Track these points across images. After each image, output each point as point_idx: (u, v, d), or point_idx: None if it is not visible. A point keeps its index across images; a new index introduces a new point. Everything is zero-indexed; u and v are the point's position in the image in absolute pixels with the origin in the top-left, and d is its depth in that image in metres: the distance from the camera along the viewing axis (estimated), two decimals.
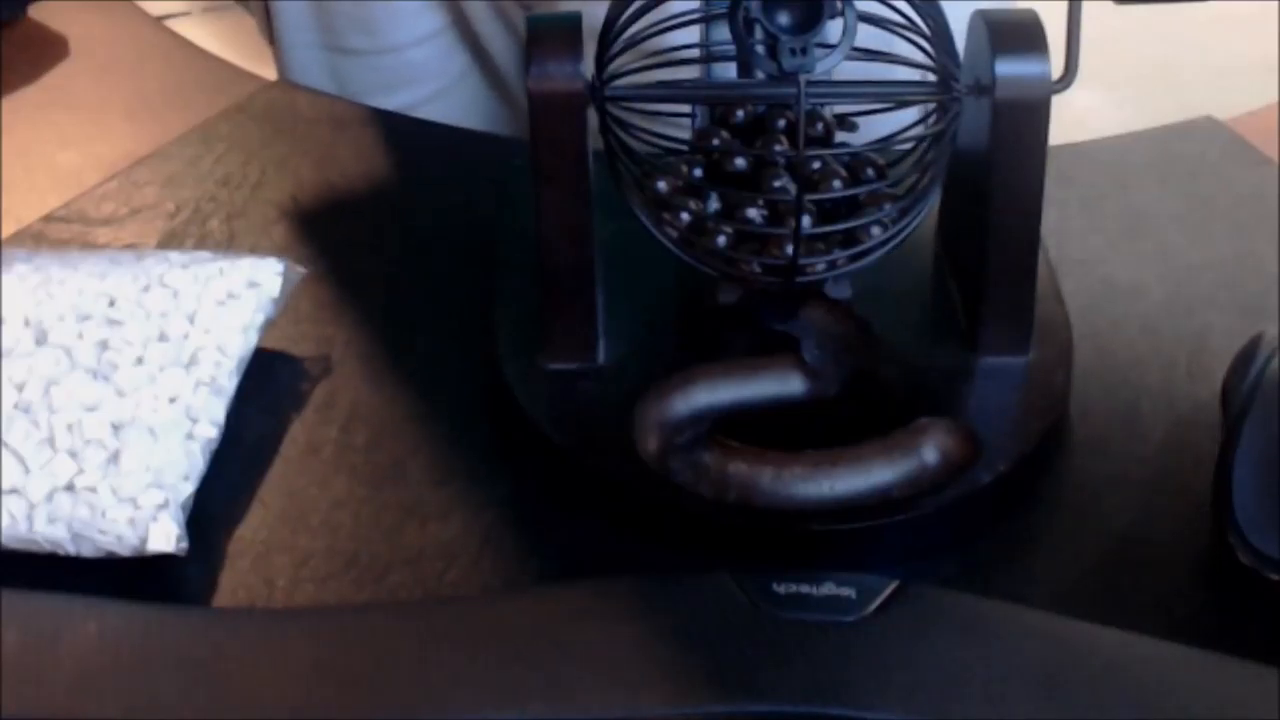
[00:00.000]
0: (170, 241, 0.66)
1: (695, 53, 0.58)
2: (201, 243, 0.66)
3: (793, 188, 0.53)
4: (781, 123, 0.56)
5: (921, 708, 0.47)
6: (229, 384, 0.56)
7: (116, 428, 0.53)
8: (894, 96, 0.56)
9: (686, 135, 0.58)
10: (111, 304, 0.56)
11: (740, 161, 0.56)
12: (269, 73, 0.79)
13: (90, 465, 0.52)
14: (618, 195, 0.55)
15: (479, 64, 0.84)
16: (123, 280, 0.57)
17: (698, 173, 0.56)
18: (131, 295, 0.57)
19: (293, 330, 0.62)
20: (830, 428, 0.55)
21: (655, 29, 0.54)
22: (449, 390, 0.60)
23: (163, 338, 0.56)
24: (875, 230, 0.54)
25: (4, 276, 0.57)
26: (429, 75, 0.84)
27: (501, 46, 0.82)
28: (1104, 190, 0.70)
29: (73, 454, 0.52)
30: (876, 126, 0.57)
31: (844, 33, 0.51)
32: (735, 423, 0.55)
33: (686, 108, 0.58)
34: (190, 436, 0.54)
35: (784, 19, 0.52)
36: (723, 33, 0.54)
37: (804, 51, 0.51)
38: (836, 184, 0.55)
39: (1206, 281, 0.64)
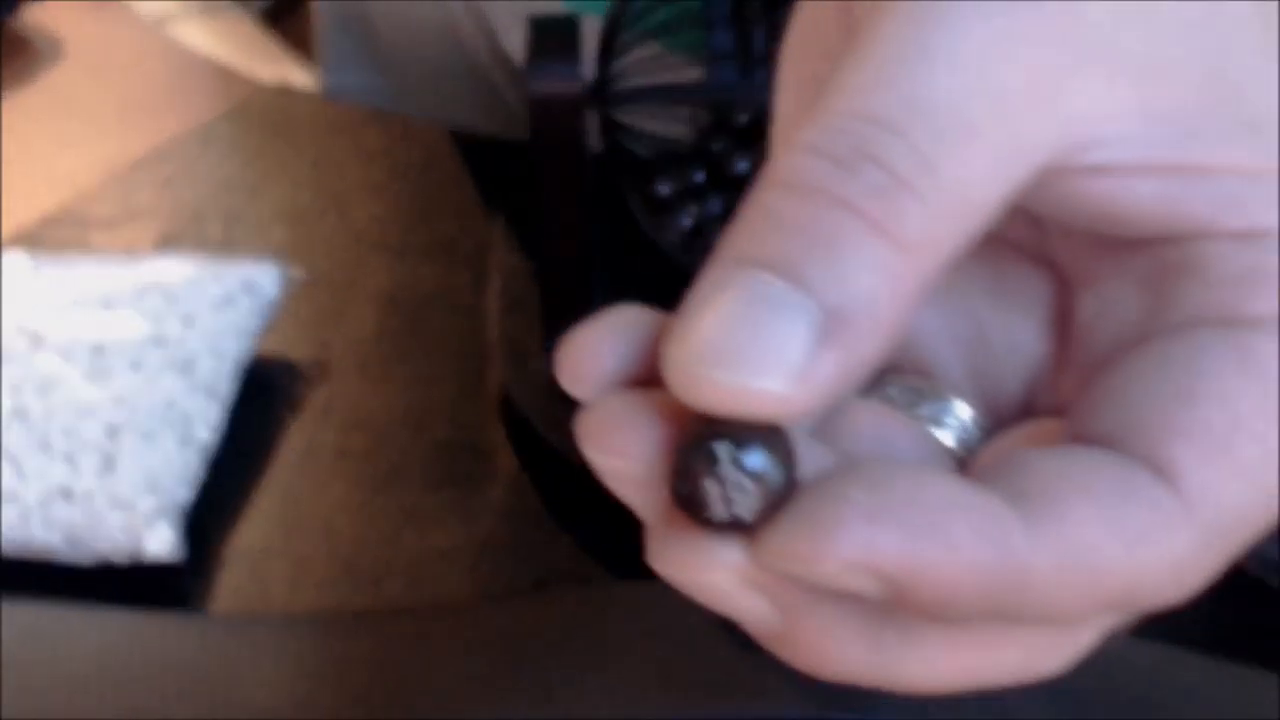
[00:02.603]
0: (167, 244, 0.66)
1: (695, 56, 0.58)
2: (199, 246, 0.66)
3: None
4: None
5: (922, 709, 0.46)
6: (226, 388, 0.56)
7: (112, 433, 0.52)
8: None
9: (687, 137, 0.57)
10: (108, 307, 0.56)
11: (741, 164, 0.55)
12: (268, 74, 0.79)
13: (86, 470, 0.52)
14: (618, 196, 0.55)
15: (463, 60, 0.84)
16: (119, 283, 0.57)
17: (699, 175, 0.56)
18: (128, 299, 0.56)
19: (290, 334, 0.61)
20: None
21: (655, 32, 0.54)
22: (447, 394, 0.59)
23: (159, 341, 0.55)
24: None
25: (1, 279, 0.57)
26: (418, 64, 0.84)
27: (482, 45, 0.82)
28: None
29: (68, 459, 0.52)
30: None
31: None
32: None
33: (687, 109, 0.58)
34: (187, 441, 0.54)
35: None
36: (722, 37, 0.54)
37: None
38: None
39: None
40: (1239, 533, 0.25)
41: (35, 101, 0.77)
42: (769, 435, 0.23)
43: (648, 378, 0.25)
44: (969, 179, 0.24)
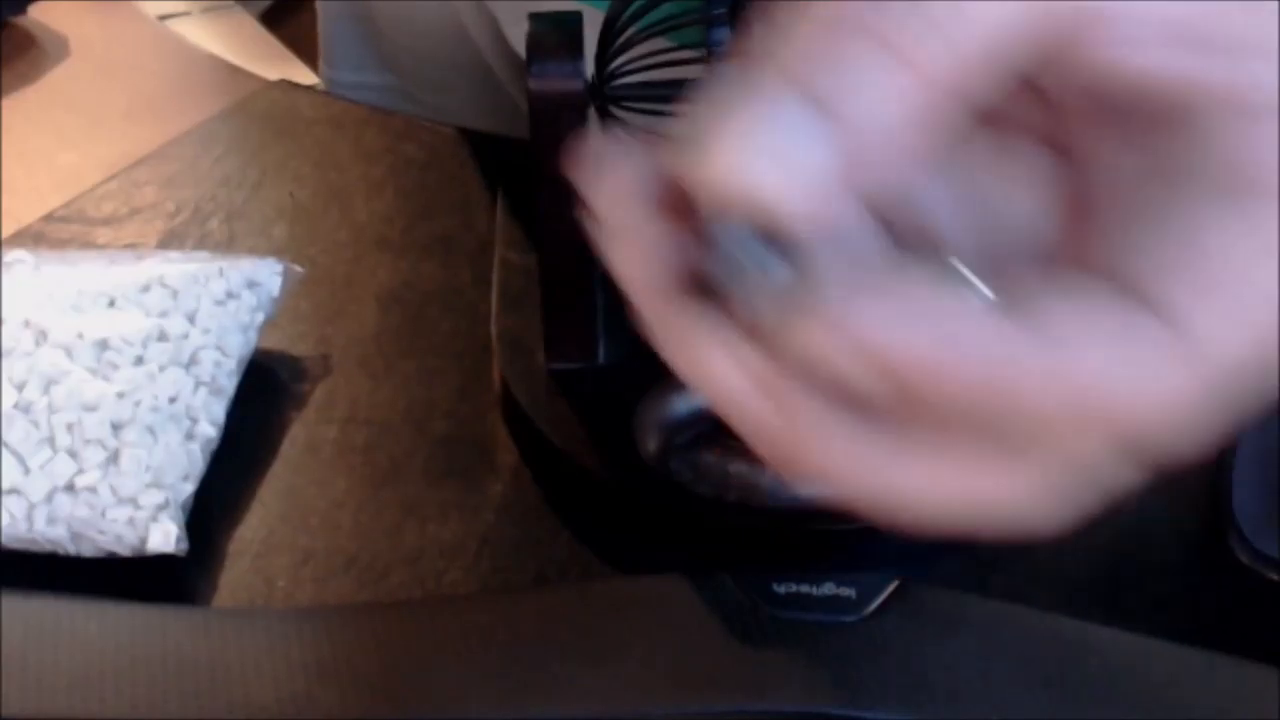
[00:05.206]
0: (170, 241, 0.66)
1: (696, 52, 0.58)
2: (201, 243, 0.66)
3: None
4: None
5: (922, 708, 0.47)
6: (228, 384, 0.56)
7: (116, 427, 0.53)
8: None
9: None
10: (111, 304, 0.56)
11: None
12: (269, 73, 0.79)
13: (90, 465, 0.52)
14: None
15: (470, 59, 0.84)
16: (122, 280, 0.57)
17: None
18: (131, 295, 0.57)
19: (292, 330, 0.62)
20: None
21: (655, 29, 0.54)
22: (448, 390, 0.60)
23: (162, 337, 0.56)
24: None
25: (4, 276, 0.57)
26: (421, 61, 0.84)
27: (487, 41, 0.82)
28: None
29: (72, 454, 0.52)
30: None
31: None
32: None
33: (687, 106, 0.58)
34: (190, 436, 0.54)
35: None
36: (723, 33, 0.54)
37: None
38: None
39: None
40: (1236, 384, 0.26)
41: (39, 99, 0.77)
42: (782, 236, 0.25)
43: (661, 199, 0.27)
44: (993, 21, 0.25)
